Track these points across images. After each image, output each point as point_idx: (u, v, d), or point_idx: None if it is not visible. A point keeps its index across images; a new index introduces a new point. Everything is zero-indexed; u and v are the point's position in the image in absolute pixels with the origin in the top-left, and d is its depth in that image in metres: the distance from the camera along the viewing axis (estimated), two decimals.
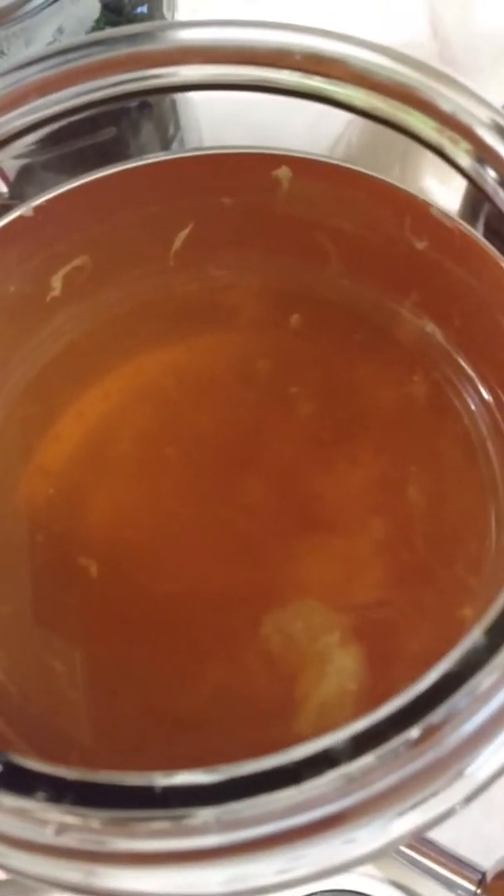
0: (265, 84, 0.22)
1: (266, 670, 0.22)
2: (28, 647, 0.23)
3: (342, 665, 0.22)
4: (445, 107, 0.21)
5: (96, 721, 0.23)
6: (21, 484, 0.25)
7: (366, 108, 0.21)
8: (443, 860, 0.26)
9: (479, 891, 0.25)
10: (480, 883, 0.25)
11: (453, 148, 0.21)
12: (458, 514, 0.23)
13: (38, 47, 0.28)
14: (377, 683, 0.22)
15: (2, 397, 0.25)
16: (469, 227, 0.23)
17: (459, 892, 0.26)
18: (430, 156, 0.23)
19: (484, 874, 0.25)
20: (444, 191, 0.24)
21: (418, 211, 0.23)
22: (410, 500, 0.24)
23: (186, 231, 0.25)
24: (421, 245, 0.24)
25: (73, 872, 0.16)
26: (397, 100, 0.21)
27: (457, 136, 0.20)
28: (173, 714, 0.22)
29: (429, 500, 0.23)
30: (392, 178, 0.25)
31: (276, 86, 0.22)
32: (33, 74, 0.22)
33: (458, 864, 0.26)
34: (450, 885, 0.26)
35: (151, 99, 0.25)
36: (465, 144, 0.20)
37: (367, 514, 0.24)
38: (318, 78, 0.22)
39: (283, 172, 0.24)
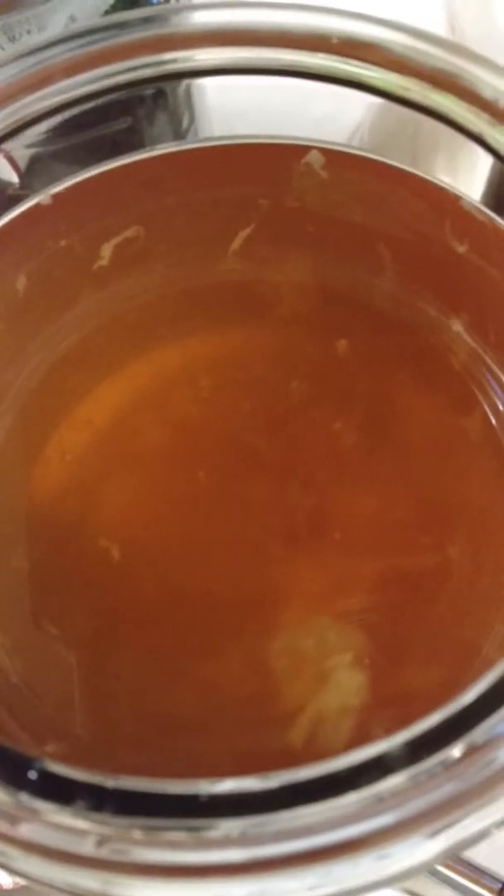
0: (294, 68, 0.22)
1: (265, 676, 0.22)
2: (32, 641, 0.23)
3: (346, 680, 0.22)
4: (487, 93, 0.20)
5: (95, 719, 0.22)
6: (35, 469, 0.24)
7: (399, 94, 0.21)
8: (461, 869, 0.26)
9: None
10: (500, 893, 0.25)
11: (494, 134, 0.20)
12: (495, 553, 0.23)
13: (51, 33, 0.27)
14: (380, 702, 0.21)
15: (14, 390, 0.25)
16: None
17: None
18: (444, 147, 0.22)
19: (503, 884, 0.25)
20: (458, 182, 0.23)
21: (452, 205, 0.23)
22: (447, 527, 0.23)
23: (248, 230, 0.25)
24: (459, 244, 0.23)
25: (90, 881, 0.16)
26: (435, 86, 0.20)
27: (497, 122, 0.20)
28: (168, 714, 0.22)
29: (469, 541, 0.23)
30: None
31: (306, 70, 0.22)
32: (48, 59, 0.22)
33: (476, 872, 0.26)
34: (468, 894, 0.26)
35: (167, 87, 0.24)
36: None
37: (391, 530, 0.23)
38: (354, 62, 0.21)
39: (315, 158, 0.24)
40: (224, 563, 0.23)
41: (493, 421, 0.24)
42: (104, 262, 0.25)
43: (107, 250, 0.25)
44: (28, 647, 0.23)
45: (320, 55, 0.21)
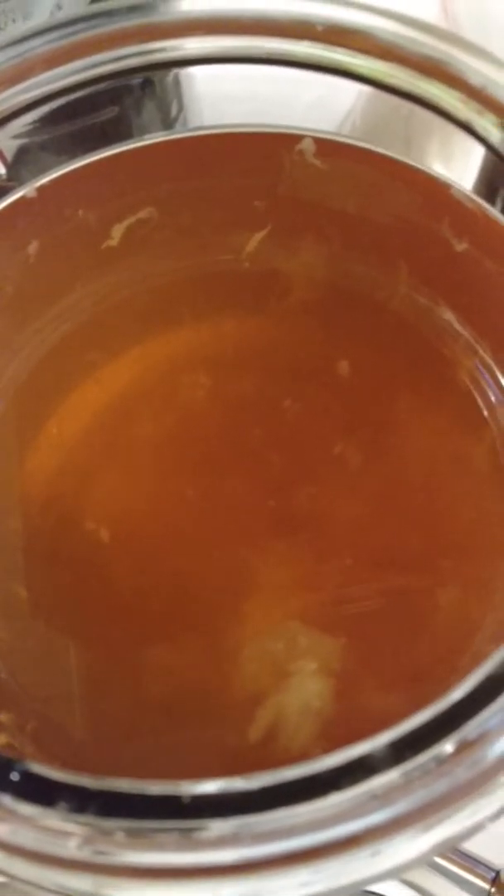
0: (280, 57, 0.21)
1: (231, 672, 0.22)
2: (21, 633, 0.23)
3: (310, 685, 0.21)
4: (475, 80, 0.20)
5: (89, 710, 0.22)
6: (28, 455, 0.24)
7: (387, 81, 0.20)
8: (455, 858, 0.26)
9: (492, 889, 0.25)
10: (494, 882, 0.25)
11: (481, 122, 0.20)
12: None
13: (37, 22, 0.27)
14: (344, 707, 0.21)
15: (8, 375, 0.25)
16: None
17: (472, 890, 0.26)
18: (437, 134, 0.22)
19: (498, 873, 0.25)
20: (449, 172, 0.23)
21: (444, 195, 0.22)
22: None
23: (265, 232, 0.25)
24: (452, 235, 0.23)
25: (81, 882, 0.16)
26: (423, 73, 0.20)
27: (484, 109, 0.19)
28: (135, 703, 0.22)
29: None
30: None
31: (292, 59, 0.21)
32: (34, 49, 0.21)
33: (471, 862, 0.26)
34: (463, 883, 0.26)
35: (155, 76, 0.24)
36: (492, 117, 0.20)
37: (378, 541, 0.23)
38: (340, 50, 0.21)
39: (307, 146, 0.23)
40: (206, 557, 0.23)
41: (486, 413, 0.24)
42: (111, 243, 0.25)
43: (101, 240, 0.25)
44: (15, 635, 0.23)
45: (305, 43, 0.21)
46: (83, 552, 0.23)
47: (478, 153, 0.21)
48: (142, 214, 0.25)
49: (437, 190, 0.23)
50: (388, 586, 0.22)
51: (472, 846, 0.26)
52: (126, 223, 0.25)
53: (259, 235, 0.25)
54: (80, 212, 0.24)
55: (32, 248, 0.25)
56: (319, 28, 0.21)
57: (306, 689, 0.21)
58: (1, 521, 0.24)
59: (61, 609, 0.23)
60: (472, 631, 0.21)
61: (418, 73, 0.20)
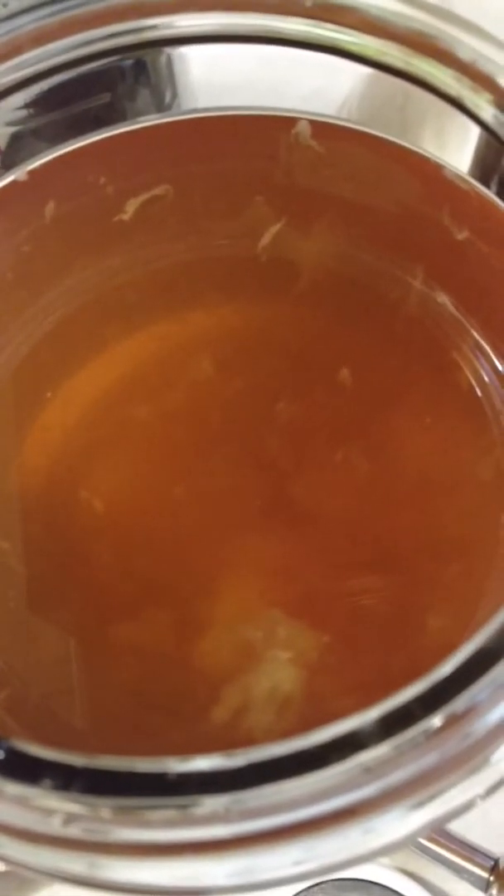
0: (271, 35, 0.21)
1: (205, 655, 0.22)
2: (21, 628, 0.23)
3: (281, 672, 0.21)
4: (464, 55, 0.19)
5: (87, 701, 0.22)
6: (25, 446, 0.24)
7: (378, 59, 0.20)
8: (454, 847, 0.26)
9: (491, 878, 0.25)
10: (493, 870, 0.25)
11: (474, 98, 0.19)
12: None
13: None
14: (315, 694, 0.21)
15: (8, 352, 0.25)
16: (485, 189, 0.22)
17: (471, 879, 0.25)
18: (432, 116, 0.22)
19: (496, 861, 0.25)
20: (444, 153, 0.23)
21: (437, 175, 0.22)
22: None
23: (279, 226, 0.25)
24: (451, 221, 0.23)
25: (75, 863, 0.16)
26: (413, 49, 0.20)
27: (477, 86, 0.19)
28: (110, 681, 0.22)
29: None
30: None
31: (283, 36, 0.21)
32: (23, 26, 0.21)
33: (469, 851, 0.26)
34: (461, 872, 0.26)
35: (148, 59, 0.24)
36: (486, 95, 0.19)
37: (370, 538, 0.23)
38: (329, 26, 0.20)
39: (303, 129, 0.23)
40: (194, 539, 0.23)
41: (489, 414, 0.24)
42: (125, 219, 0.25)
43: (106, 221, 0.25)
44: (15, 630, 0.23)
45: (294, 19, 0.21)
46: (76, 527, 0.23)
47: (473, 132, 0.21)
48: (144, 196, 0.25)
49: (431, 171, 0.23)
50: (376, 586, 0.22)
51: (470, 834, 0.26)
52: (139, 199, 0.25)
53: (274, 229, 0.25)
54: (69, 198, 0.24)
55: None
56: (308, 3, 0.20)
57: (277, 675, 0.21)
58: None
59: (43, 583, 0.23)
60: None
61: (410, 49, 0.20)
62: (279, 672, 0.21)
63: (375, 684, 0.20)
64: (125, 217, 0.25)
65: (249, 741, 0.20)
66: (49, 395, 0.25)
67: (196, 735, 0.21)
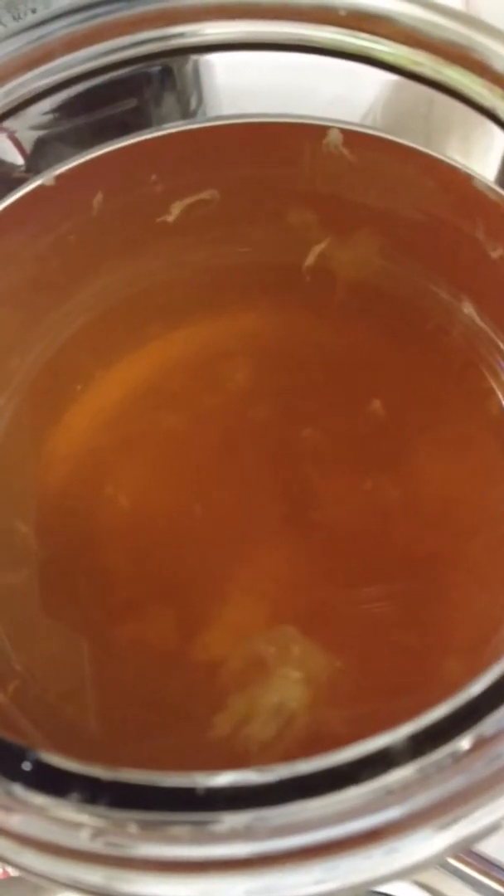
0: (302, 43, 0.21)
1: (216, 665, 0.22)
2: (35, 630, 0.23)
3: (293, 685, 0.21)
4: (499, 66, 0.19)
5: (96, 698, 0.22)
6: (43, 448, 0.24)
7: (410, 68, 0.20)
8: (471, 861, 0.26)
9: None
10: None
11: None
12: None
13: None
14: (318, 719, 0.21)
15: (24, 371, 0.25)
16: None
17: (487, 893, 0.25)
18: (458, 127, 0.21)
19: None
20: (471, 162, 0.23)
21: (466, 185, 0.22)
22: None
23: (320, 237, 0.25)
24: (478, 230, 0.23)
25: (93, 875, 0.16)
26: (447, 59, 0.20)
27: None
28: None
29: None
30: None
31: (314, 45, 0.21)
32: (54, 32, 0.21)
33: (486, 864, 0.26)
34: (477, 886, 0.26)
35: (174, 65, 0.24)
36: None
37: (387, 556, 0.23)
38: (363, 36, 0.20)
39: (334, 138, 0.23)
40: (216, 550, 0.23)
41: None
42: (168, 220, 0.25)
43: (150, 221, 0.25)
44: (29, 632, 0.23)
45: (328, 28, 0.21)
46: (95, 524, 0.23)
47: (499, 140, 0.21)
48: (190, 199, 0.25)
49: (461, 182, 0.23)
50: (395, 615, 0.22)
51: (488, 850, 0.26)
52: (185, 202, 0.25)
53: (315, 240, 0.25)
54: (97, 198, 0.24)
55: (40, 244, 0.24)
56: (342, 13, 0.20)
57: (286, 692, 0.21)
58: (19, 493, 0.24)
59: (55, 580, 0.23)
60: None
61: (442, 58, 0.20)
62: (288, 690, 0.21)
63: (381, 714, 0.20)
64: (169, 219, 0.25)
65: (246, 753, 0.20)
66: (79, 387, 0.24)
67: (197, 738, 0.21)
